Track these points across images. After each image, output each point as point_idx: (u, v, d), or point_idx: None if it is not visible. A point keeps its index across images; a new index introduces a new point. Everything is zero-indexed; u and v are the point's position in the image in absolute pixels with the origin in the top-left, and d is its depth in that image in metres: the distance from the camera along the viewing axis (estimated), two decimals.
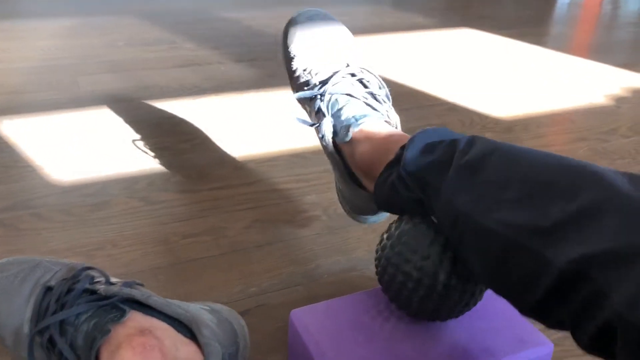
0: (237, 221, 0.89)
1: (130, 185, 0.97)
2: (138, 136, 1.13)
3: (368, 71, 0.72)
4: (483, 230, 0.47)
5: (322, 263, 0.82)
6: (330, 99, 0.68)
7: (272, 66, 1.56)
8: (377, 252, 0.59)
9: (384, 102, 0.70)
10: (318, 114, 0.70)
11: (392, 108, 0.70)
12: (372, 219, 0.74)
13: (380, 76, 0.76)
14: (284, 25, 0.80)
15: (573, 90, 1.51)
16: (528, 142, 1.21)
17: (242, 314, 0.72)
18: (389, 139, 0.63)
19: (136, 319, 0.57)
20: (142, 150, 1.08)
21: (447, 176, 0.51)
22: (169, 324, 0.58)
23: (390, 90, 0.72)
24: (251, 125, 1.22)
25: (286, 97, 1.35)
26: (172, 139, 1.13)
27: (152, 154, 1.07)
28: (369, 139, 0.65)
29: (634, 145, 1.23)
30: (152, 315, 0.58)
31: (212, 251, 0.83)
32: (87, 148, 1.08)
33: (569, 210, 0.41)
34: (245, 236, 0.86)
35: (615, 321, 0.36)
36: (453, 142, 0.54)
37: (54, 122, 1.18)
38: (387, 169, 0.59)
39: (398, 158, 0.57)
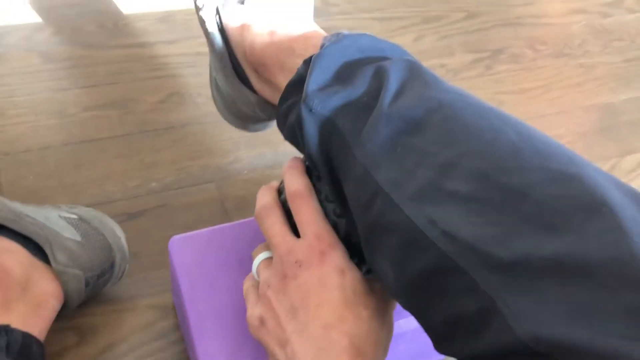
0: (150, 92, 0.76)
1: (31, 34, 0.81)
2: None
3: None
4: (410, 228, 0.31)
5: (242, 155, 0.71)
6: None
7: None
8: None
9: None
10: None
11: None
12: (255, 126, 0.55)
13: None
14: None
15: None
16: (517, 9, 1.04)
17: (136, 215, 0.63)
18: (295, 32, 0.44)
19: None
20: None
21: (367, 128, 0.35)
22: (21, 243, 0.48)
23: None
24: None
25: None
26: None
27: None
28: (270, 24, 0.45)
29: (636, 23, 1.06)
30: (2, 233, 0.48)
31: (115, 130, 0.71)
32: None
33: (544, 253, 0.26)
34: (157, 114, 0.73)
35: None
36: (380, 72, 0.37)
37: None
38: (286, 93, 0.41)
39: (301, 78, 0.39)
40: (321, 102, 0.38)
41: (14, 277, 0.46)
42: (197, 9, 0.49)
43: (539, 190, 0.28)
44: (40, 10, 0.84)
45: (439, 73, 0.88)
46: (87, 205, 0.57)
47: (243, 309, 0.46)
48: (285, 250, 0.39)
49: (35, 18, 0.83)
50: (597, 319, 0.24)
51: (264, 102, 0.49)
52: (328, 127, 0.38)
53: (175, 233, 0.59)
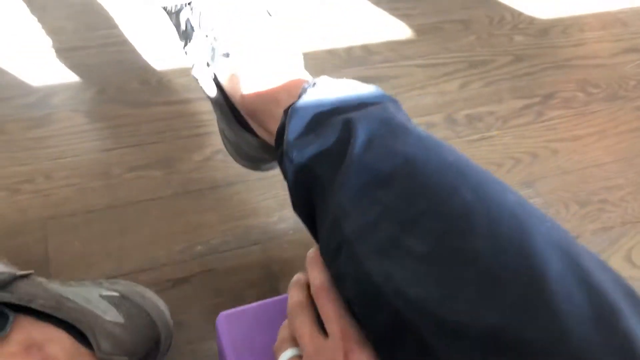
0: (194, 151, 0.75)
1: (76, 93, 0.81)
2: (91, 25, 0.96)
3: None
4: (370, 286, 0.33)
5: (287, 215, 0.69)
6: (200, 11, 0.51)
7: None
8: None
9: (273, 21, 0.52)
10: (186, 31, 0.53)
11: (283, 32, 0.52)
12: (266, 166, 0.57)
13: None
14: None
15: None
16: (565, 50, 1.00)
17: (181, 281, 0.61)
18: (278, 82, 0.47)
19: (24, 328, 0.46)
20: (94, 46, 0.91)
21: (340, 177, 0.37)
22: (65, 329, 0.47)
23: None
24: None
25: None
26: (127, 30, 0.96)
27: (107, 49, 0.90)
28: (255, 76, 0.48)
29: None
30: (47, 320, 0.47)
31: (159, 191, 0.70)
32: (28, 43, 0.91)
33: (483, 324, 0.27)
34: (202, 172, 0.72)
35: None
36: (347, 124, 0.38)
37: None
38: (277, 143, 0.43)
39: (283, 128, 0.42)
40: (299, 152, 0.40)
41: None
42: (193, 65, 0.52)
43: (484, 258, 0.29)
44: (85, 69, 0.85)
45: (487, 121, 0.86)
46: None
47: None
48: (313, 350, 0.38)
49: (80, 77, 0.84)
50: None
51: (266, 145, 0.51)
52: (307, 174, 0.40)
53: (222, 300, 0.57)
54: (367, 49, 0.95)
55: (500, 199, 0.32)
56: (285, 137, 0.41)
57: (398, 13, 1.04)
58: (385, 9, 1.05)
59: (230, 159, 0.57)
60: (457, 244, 0.30)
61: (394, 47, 0.97)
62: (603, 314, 0.26)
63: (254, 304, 0.49)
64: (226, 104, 0.52)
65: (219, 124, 0.57)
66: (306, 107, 0.41)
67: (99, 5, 0.95)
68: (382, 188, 0.35)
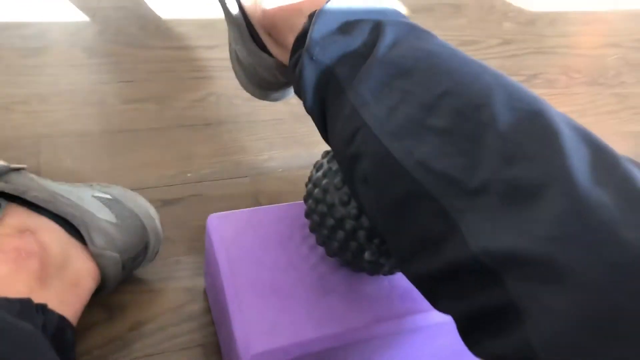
0: (189, 91, 0.77)
1: (76, 31, 0.83)
2: None
3: None
4: (387, 159, 0.34)
5: (277, 155, 0.70)
6: None
7: None
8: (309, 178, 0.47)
9: None
10: None
11: None
12: (275, 95, 0.57)
13: None
14: None
15: None
16: (551, 39, 1.04)
17: (171, 202, 0.62)
18: None
19: (18, 215, 0.46)
20: None
21: (361, 73, 0.38)
22: (59, 223, 0.48)
23: None
24: None
25: None
26: None
27: None
28: None
29: None
30: (41, 213, 0.47)
31: (152, 123, 0.71)
32: None
33: (504, 177, 0.29)
34: (195, 110, 0.74)
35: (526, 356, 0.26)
36: (378, 26, 0.39)
37: None
38: (295, 47, 0.43)
39: (306, 32, 0.41)
40: (322, 50, 0.40)
41: (52, 255, 0.45)
42: None
43: (505, 125, 0.31)
44: (86, 10, 0.86)
45: None
46: None
47: (282, 286, 0.45)
48: None
49: (80, 17, 0.85)
50: (535, 231, 0.27)
51: (282, 65, 0.51)
52: (326, 74, 0.40)
53: (205, 224, 0.58)
54: None
55: (519, 86, 0.34)
56: (309, 35, 0.40)
57: None
58: None
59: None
60: (477, 116, 0.32)
61: None
62: (605, 161, 0.29)
63: (245, 210, 0.51)
64: (245, 23, 0.52)
65: (231, 47, 0.57)
66: (334, 11, 0.41)
67: None
68: (404, 78, 0.36)
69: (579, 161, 0.28)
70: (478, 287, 0.29)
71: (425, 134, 0.33)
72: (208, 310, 0.54)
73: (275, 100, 0.58)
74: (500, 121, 0.31)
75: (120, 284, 0.53)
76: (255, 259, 0.47)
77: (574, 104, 0.90)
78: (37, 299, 0.41)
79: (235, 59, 0.57)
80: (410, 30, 0.39)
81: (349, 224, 0.42)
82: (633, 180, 0.27)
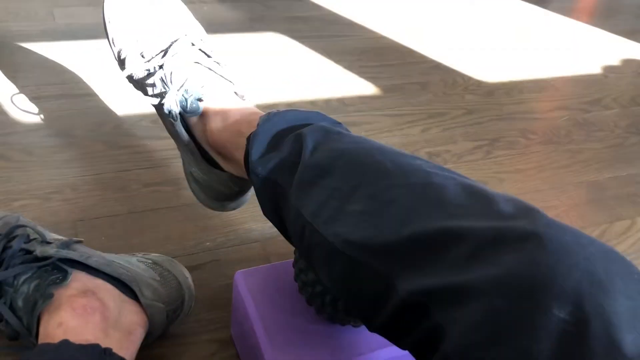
0: None
1: (96, 127, 0.95)
2: (108, 76, 1.11)
3: (207, 41, 0.66)
4: (326, 245, 0.44)
5: None
6: (171, 71, 0.62)
7: (256, 8, 1.51)
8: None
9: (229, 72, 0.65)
10: (158, 89, 0.63)
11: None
12: (232, 205, 0.68)
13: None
14: None
15: (565, 56, 1.48)
16: (509, 107, 1.19)
17: (195, 268, 0.72)
18: (240, 117, 0.60)
19: (80, 279, 0.56)
20: (111, 91, 1.06)
21: (296, 179, 0.48)
22: (112, 284, 0.58)
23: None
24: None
25: (272, 40, 1.32)
26: None
27: (122, 95, 1.04)
28: (220, 113, 0.61)
29: (614, 117, 1.22)
30: (97, 276, 0.57)
31: (171, 202, 0.82)
32: (55, 84, 1.05)
33: (403, 236, 0.39)
34: None
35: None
36: (299, 138, 0.50)
37: (24, 54, 1.15)
38: (246, 166, 0.55)
39: (248, 153, 0.53)
40: (263, 168, 0.51)
41: (110, 310, 0.55)
42: (165, 115, 0.63)
43: (402, 199, 0.41)
44: (99, 110, 0.99)
45: (444, 157, 1.01)
46: None
47: (308, 326, 0.55)
48: None
49: (100, 115, 0.97)
50: (447, 266, 0.36)
51: (234, 176, 0.63)
52: (272, 185, 0.51)
53: (229, 282, 0.69)
54: (342, 101, 1.12)
55: (411, 162, 0.45)
56: (250, 159, 0.52)
57: (367, 75, 1.23)
58: (356, 72, 1.23)
59: None
60: (383, 197, 0.42)
61: (365, 101, 1.14)
62: (473, 192, 0.41)
63: (268, 265, 0.61)
64: (195, 146, 0.64)
65: (186, 169, 0.68)
66: (264, 132, 0.53)
67: None
68: (327, 177, 0.46)
69: (455, 201, 0.40)
70: (416, 320, 0.37)
71: (347, 217, 0.43)
72: (236, 355, 0.63)
73: (233, 209, 0.70)
74: (399, 197, 0.42)
75: (159, 339, 0.63)
76: (280, 306, 0.57)
77: (533, 162, 1.03)
78: (102, 345, 0.51)
79: (192, 179, 0.69)
80: (325, 134, 0.50)
81: (321, 294, 0.53)
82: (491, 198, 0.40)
